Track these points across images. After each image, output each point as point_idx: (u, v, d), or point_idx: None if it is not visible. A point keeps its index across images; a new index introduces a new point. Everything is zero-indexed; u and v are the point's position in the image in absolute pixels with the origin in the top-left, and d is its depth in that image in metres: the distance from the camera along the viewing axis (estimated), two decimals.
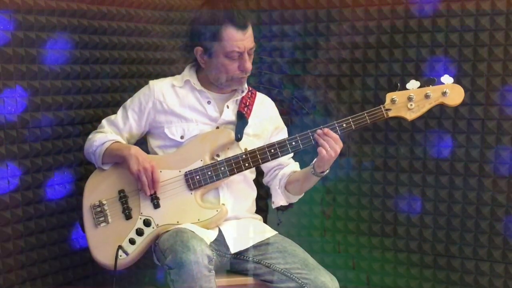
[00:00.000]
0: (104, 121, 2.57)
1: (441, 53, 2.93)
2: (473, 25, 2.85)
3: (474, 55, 2.86)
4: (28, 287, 2.61)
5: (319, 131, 2.35)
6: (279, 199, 2.60)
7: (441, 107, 2.90)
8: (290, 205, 2.77)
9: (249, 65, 2.43)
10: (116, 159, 2.45)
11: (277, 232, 2.55)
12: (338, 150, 2.35)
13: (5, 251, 2.52)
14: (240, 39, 2.38)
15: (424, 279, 3.06)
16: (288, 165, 2.59)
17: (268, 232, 2.53)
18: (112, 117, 2.56)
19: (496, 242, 2.89)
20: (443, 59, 2.92)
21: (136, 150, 2.41)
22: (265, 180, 2.64)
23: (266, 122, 2.59)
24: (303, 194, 2.62)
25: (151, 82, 2.55)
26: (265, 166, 2.60)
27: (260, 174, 2.68)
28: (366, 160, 3.14)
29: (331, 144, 2.33)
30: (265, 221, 2.65)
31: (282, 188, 2.57)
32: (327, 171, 2.43)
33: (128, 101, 2.56)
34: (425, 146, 3.01)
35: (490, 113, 2.86)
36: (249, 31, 2.41)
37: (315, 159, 2.41)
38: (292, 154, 2.59)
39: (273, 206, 2.65)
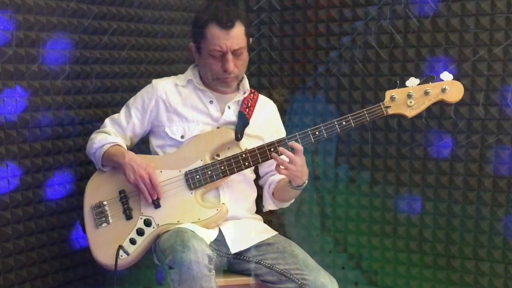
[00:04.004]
0: (107, 120, 2.56)
1: (441, 53, 2.93)
2: (473, 25, 2.85)
3: (474, 55, 2.86)
4: (28, 287, 2.61)
5: (274, 154, 2.31)
6: (268, 204, 2.60)
7: (442, 106, 2.92)
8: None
9: (230, 66, 2.39)
10: (114, 164, 2.44)
11: (277, 233, 2.55)
12: (299, 163, 2.30)
13: (5, 251, 2.52)
14: (223, 38, 2.36)
15: (424, 279, 3.06)
16: None
17: (268, 232, 2.53)
18: (115, 116, 2.55)
19: (496, 242, 2.89)
20: (443, 59, 2.92)
21: (130, 158, 2.38)
22: (259, 182, 2.64)
23: (267, 124, 2.59)
24: (291, 202, 2.61)
25: (154, 81, 2.55)
26: (261, 170, 2.60)
27: (258, 175, 2.67)
28: (366, 160, 3.14)
29: (291, 160, 2.29)
30: (265, 222, 2.64)
31: (270, 194, 2.57)
32: (305, 184, 2.40)
33: (131, 100, 2.55)
34: (425, 146, 3.01)
35: (490, 113, 2.85)
36: (235, 31, 2.37)
37: None
38: None
39: (263, 210, 2.63)
